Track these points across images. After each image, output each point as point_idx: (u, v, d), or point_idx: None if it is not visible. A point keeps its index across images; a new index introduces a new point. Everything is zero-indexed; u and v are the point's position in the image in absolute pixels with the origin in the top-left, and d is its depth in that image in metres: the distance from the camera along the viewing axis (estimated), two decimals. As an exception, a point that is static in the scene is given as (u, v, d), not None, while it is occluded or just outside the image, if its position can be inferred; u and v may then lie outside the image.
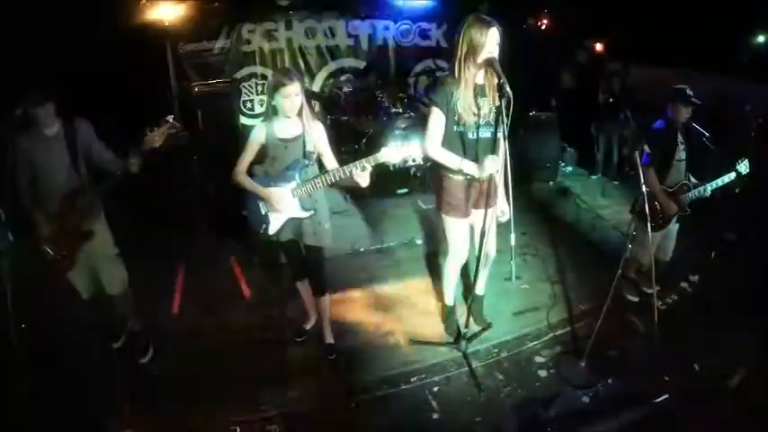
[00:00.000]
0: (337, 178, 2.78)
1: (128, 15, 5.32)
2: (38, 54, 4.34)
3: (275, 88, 2.69)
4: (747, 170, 3.37)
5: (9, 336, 2.55)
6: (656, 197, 3.43)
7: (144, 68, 5.41)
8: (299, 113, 2.79)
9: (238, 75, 6.64)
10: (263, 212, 2.93)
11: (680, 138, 3.47)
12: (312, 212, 2.90)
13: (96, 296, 3.20)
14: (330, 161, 2.94)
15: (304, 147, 2.83)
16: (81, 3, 4.59)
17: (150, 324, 3.46)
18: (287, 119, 2.80)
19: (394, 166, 2.79)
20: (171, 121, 2.73)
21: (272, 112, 2.80)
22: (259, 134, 2.83)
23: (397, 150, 2.65)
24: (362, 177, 2.72)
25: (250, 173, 2.90)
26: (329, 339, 3.35)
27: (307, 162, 2.85)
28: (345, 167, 2.73)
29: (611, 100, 6.35)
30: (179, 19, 5.85)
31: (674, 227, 3.67)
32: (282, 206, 2.86)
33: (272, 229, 2.94)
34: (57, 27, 4.48)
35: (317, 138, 2.88)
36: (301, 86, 2.74)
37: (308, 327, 3.48)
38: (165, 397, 2.97)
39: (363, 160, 2.67)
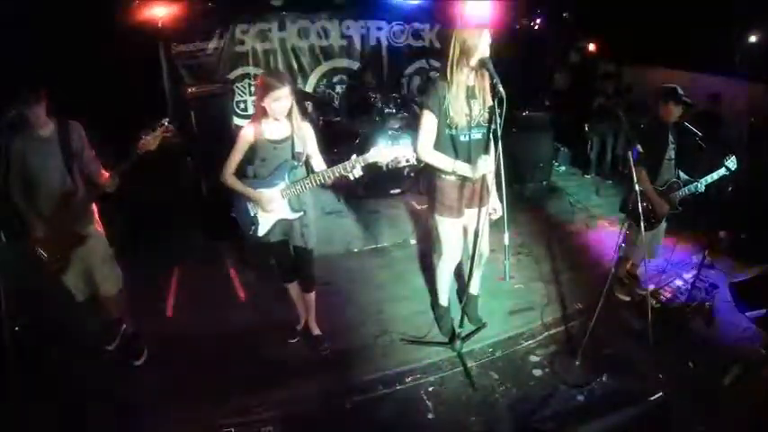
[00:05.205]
0: (327, 179, 2.79)
1: (120, 15, 5.27)
2: (31, 55, 4.31)
3: (265, 92, 2.68)
4: (735, 166, 3.40)
5: (2, 337, 2.52)
6: (648, 196, 3.44)
7: (137, 69, 5.38)
8: (288, 115, 2.80)
9: (231, 75, 6.62)
10: (252, 214, 2.95)
11: (671, 137, 3.49)
12: (302, 214, 2.94)
13: (90, 298, 3.17)
14: (318, 162, 2.97)
15: (293, 148, 2.84)
16: (74, 3, 4.56)
17: (145, 326, 3.44)
18: (276, 120, 2.80)
19: (387, 166, 2.77)
20: (166, 124, 2.73)
21: (261, 114, 2.79)
22: (247, 135, 2.81)
23: (387, 151, 2.66)
24: (353, 173, 2.73)
25: (242, 173, 2.89)
26: (316, 331, 3.44)
27: (295, 163, 2.86)
28: (335, 168, 2.74)
29: (602, 101, 6.41)
30: (172, 19, 5.81)
31: (661, 226, 3.69)
32: (272, 207, 2.88)
33: (262, 231, 2.96)
34: (50, 28, 4.44)
35: (306, 139, 2.89)
36: (291, 89, 2.74)
37: (299, 327, 3.49)
38: (159, 399, 2.94)
39: (353, 160, 2.68)
